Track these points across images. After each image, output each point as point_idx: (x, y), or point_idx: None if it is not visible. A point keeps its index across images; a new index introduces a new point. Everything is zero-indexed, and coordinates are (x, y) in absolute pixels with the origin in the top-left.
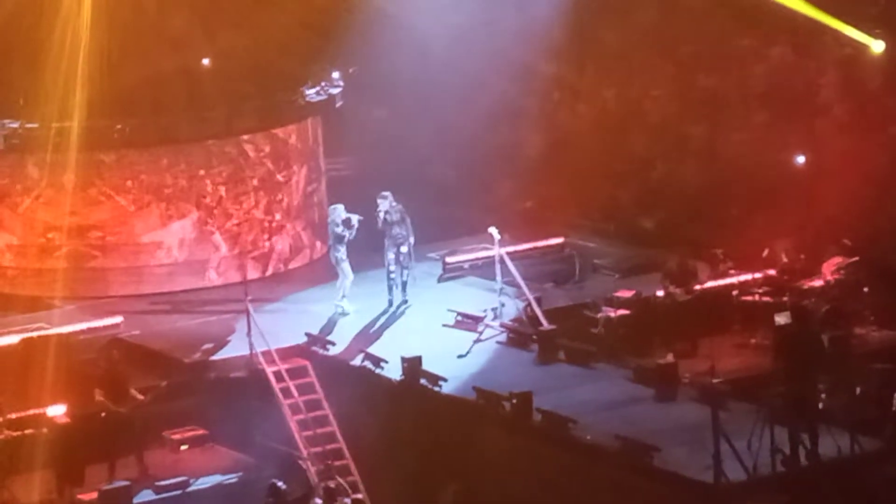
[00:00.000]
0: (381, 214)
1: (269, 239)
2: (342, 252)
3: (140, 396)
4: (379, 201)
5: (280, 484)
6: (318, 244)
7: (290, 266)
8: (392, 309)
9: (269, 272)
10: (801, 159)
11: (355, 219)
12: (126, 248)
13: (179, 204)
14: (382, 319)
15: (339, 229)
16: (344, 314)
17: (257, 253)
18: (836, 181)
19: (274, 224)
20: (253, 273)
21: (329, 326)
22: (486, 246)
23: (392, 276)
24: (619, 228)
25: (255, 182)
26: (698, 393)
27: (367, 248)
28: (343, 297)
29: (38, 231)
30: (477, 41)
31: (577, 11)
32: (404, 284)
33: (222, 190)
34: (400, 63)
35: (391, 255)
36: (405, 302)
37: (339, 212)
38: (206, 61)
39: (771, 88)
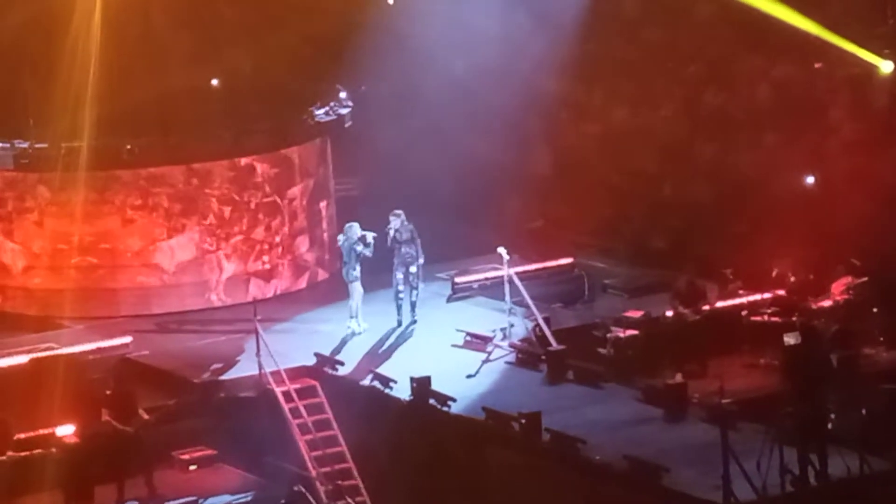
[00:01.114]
0: (391, 232)
1: (276, 259)
2: (358, 271)
3: (146, 416)
4: (391, 219)
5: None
6: (326, 264)
7: (298, 286)
8: (401, 329)
9: (276, 292)
10: (810, 179)
11: (370, 236)
12: (134, 269)
13: (187, 224)
14: (391, 339)
15: (359, 248)
16: (356, 333)
17: (264, 273)
18: (844, 201)
19: (280, 244)
20: (260, 293)
21: (338, 346)
22: (495, 266)
23: (401, 296)
24: (628, 248)
25: (262, 202)
26: (707, 413)
27: (378, 268)
28: (351, 317)
29: (46, 250)
30: (486, 60)
31: (586, 31)
32: (413, 304)
33: (228, 210)
34: (408, 82)
35: (399, 276)
36: (414, 322)
37: (355, 230)
38: (215, 81)
39: (779, 108)
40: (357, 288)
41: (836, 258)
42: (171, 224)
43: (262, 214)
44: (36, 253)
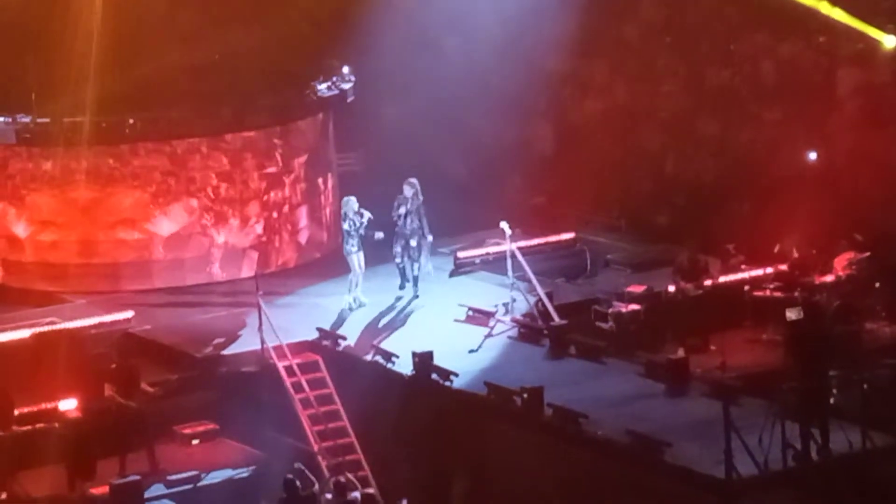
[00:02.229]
0: (402, 208)
1: (277, 233)
2: (352, 245)
3: (150, 389)
4: (405, 186)
5: (295, 479)
6: (327, 238)
7: (300, 261)
8: (403, 303)
9: (278, 267)
10: (812, 155)
11: (367, 215)
12: (136, 242)
13: (188, 199)
14: (394, 314)
15: (349, 222)
16: (354, 308)
17: (264, 247)
18: (847, 176)
19: (281, 218)
20: (261, 268)
21: (340, 321)
22: (497, 241)
23: (400, 266)
24: (631, 224)
25: (263, 177)
26: (709, 388)
27: (380, 243)
28: (349, 291)
29: (48, 225)
30: (489, 37)
31: (589, 7)
32: (415, 279)
33: (226, 186)
34: (411, 58)
35: (398, 248)
36: (416, 297)
37: (350, 204)
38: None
39: (783, 84)
40: (354, 262)
41: (839, 233)
42: (172, 199)
43: (262, 189)
44: (38, 227)
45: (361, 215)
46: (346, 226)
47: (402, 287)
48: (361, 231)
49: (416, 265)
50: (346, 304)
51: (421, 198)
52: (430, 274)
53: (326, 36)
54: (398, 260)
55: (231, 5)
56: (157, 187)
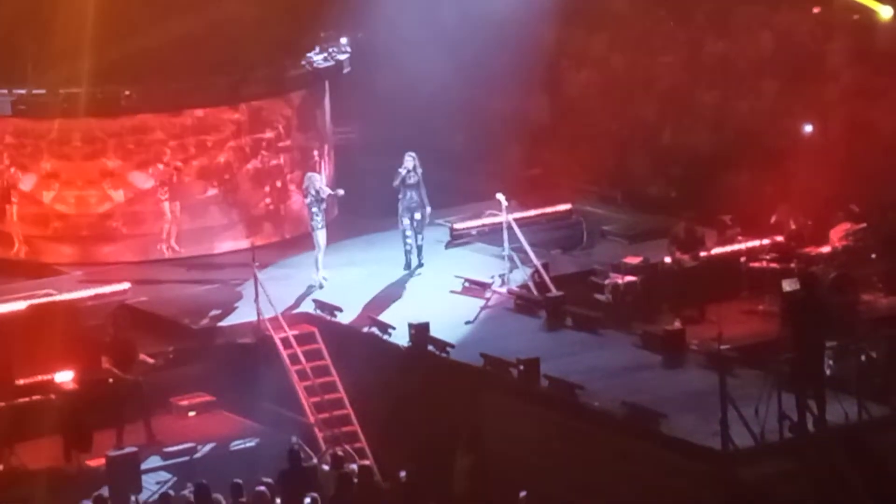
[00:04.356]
0: (403, 172)
1: (273, 205)
2: (315, 221)
3: (150, 360)
4: (406, 158)
5: (299, 450)
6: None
7: (296, 232)
8: (401, 275)
9: (275, 238)
10: (808, 128)
11: (326, 191)
12: (132, 214)
13: (185, 170)
14: (390, 285)
15: (310, 198)
16: (318, 286)
17: (261, 219)
18: (844, 147)
19: (279, 190)
20: (259, 239)
21: (337, 293)
22: (493, 212)
23: (408, 241)
24: (627, 195)
25: (260, 147)
26: (706, 359)
27: (383, 213)
28: (317, 268)
29: (45, 197)
30: (485, 7)
31: None
32: (420, 248)
33: (225, 157)
34: (408, 29)
35: (406, 221)
36: (420, 265)
37: (311, 180)
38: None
39: (779, 55)
40: (316, 237)
41: (836, 204)
42: (170, 170)
43: (259, 160)
44: (34, 200)
45: (319, 192)
46: (307, 201)
47: (407, 267)
48: (324, 206)
49: (419, 236)
50: (317, 283)
51: (420, 170)
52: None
53: (323, 5)
54: (408, 233)
55: None
56: (154, 159)
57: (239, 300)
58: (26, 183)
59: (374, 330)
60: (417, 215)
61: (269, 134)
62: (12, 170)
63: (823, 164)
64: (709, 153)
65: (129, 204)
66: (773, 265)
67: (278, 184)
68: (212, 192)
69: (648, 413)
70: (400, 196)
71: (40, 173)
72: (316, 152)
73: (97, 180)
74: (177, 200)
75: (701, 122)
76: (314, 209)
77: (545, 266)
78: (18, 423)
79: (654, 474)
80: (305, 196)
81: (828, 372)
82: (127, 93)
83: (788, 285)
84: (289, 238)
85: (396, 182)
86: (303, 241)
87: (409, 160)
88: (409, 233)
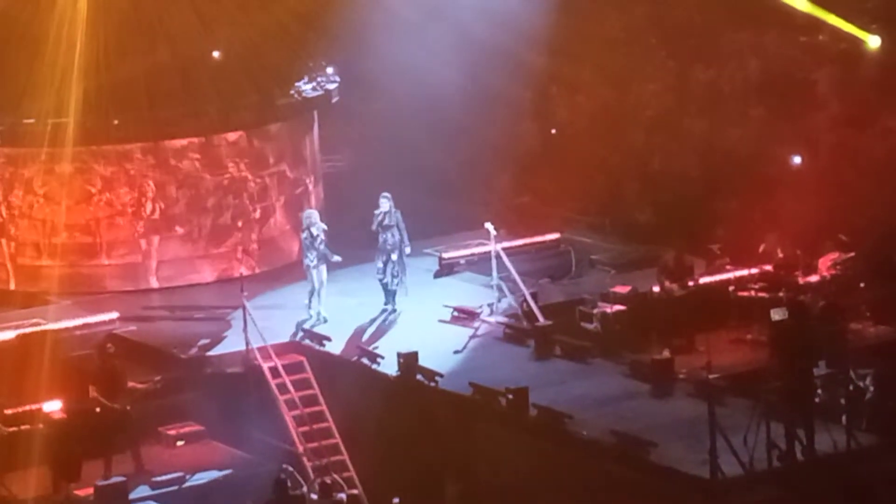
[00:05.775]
0: (378, 215)
1: (261, 235)
2: (311, 259)
3: (140, 386)
4: (381, 201)
5: (286, 480)
6: None
7: (285, 261)
8: (388, 310)
9: (264, 269)
10: (797, 159)
11: (315, 229)
12: (120, 245)
13: (173, 198)
14: (379, 315)
15: (307, 234)
16: (319, 323)
17: (249, 249)
18: (832, 176)
19: (266, 220)
20: (247, 269)
21: (326, 322)
22: (482, 241)
23: (384, 282)
24: (616, 223)
25: (250, 177)
26: (694, 388)
27: (364, 245)
28: (309, 304)
29: (33, 227)
30: (474, 34)
31: (575, 4)
32: (393, 294)
33: (213, 185)
34: (396, 57)
35: (380, 264)
36: (393, 311)
37: (312, 218)
38: (216, 54)
39: (767, 83)
40: (314, 276)
41: (824, 233)
42: (158, 199)
43: (249, 190)
44: (22, 228)
45: (312, 231)
46: (303, 236)
47: (386, 303)
48: (320, 246)
49: (395, 280)
50: (311, 318)
51: (397, 212)
52: (406, 294)
53: (312, 35)
54: (381, 276)
55: (217, 5)
56: (141, 188)
57: (227, 330)
58: (14, 211)
59: (363, 359)
60: (394, 256)
61: (257, 163)
62: None
63: (812, 192)
64: (697, 181)
65: (116, 233)
66: (762, 294)
67: (266, 213)
68: (197, 221)
69: (637, 442)
70: (378, 237)
71: (28, 202)
72: (305, 181)
73: (86, 209)
74: (160, 232)
75: (689, 150)
76: (307, 248)
77: (534, 295)
78: (7, 452)
79: (643, 503)
80: (302, 231)
81: (816, 401)
82: (115, 122)
83: (777, 314)
84: (279, 268)
85: (374, 226)
86: (291, 272)
87: (385, 202)
88: (381, 276)
